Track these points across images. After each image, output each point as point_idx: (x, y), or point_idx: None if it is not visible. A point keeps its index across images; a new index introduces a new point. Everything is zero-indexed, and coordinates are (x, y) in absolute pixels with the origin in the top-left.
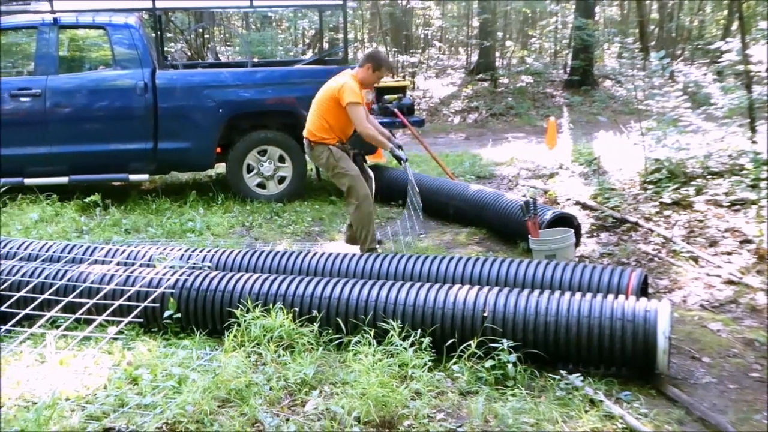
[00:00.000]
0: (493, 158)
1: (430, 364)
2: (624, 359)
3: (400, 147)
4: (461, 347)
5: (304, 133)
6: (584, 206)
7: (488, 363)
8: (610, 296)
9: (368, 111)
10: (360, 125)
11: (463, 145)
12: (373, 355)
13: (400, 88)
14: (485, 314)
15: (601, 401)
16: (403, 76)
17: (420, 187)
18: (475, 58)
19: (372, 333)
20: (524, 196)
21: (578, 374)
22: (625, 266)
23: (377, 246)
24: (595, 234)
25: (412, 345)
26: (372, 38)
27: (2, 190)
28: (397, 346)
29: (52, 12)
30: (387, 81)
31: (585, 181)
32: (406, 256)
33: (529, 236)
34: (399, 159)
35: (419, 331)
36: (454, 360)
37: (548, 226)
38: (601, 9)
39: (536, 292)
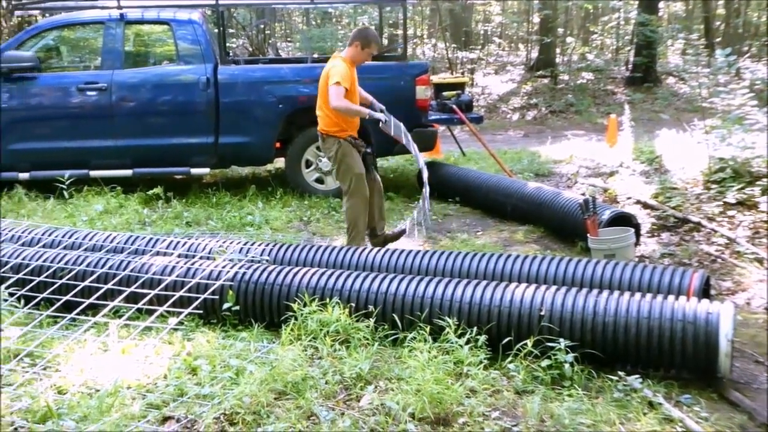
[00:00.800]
0: (552, 156)
1: (485, 362)
2: (684, 362)
3: (382, 110)
4: (517, 346)
5: (318, 127)
6: (645, 205)
7: (545, 362)
8: (671, 297)
9: (425, 108)
10: (332, 102)
11: (521, 143)
12: (429, 352)
13: (459, 85)
14: (542, 313)
15: (660, 404)
16: (462, 73)
17: (477, 185)
18: (535, 54)
19: (428, 329)
20: (583, 194)
21: (637, 376)
22: (686, 267)
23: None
24: (655, 234)
25: (467, 342)
26: (431, 34)
27: (69, 181)
28: (452, 343)
29: (119, 8)
30: (446, 77)
31: (646, 179)
32: (463, 253)
33: (588, 235)
34: (377, 121)
35: (475, 329)
36: (510, 358)
37: (608, 225)
38: (665, 5)
39: (594, 291)
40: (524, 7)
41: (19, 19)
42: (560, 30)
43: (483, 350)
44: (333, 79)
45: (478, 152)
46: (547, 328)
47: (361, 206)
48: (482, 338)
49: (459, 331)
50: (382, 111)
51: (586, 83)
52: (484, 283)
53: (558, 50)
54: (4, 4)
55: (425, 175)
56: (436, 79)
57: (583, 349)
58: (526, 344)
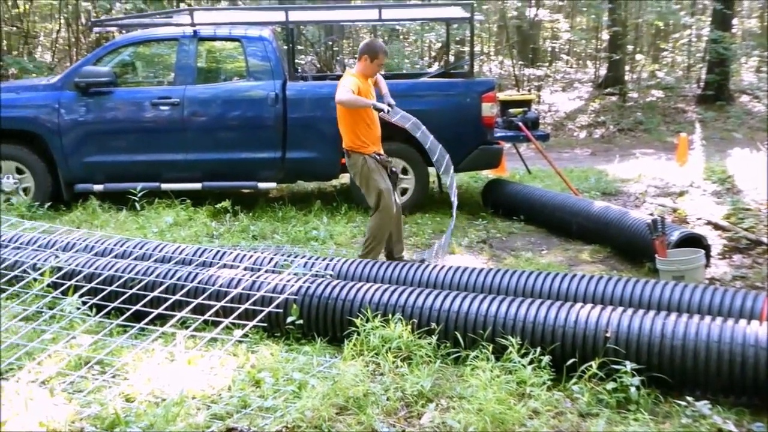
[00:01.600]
0: (620, 175)
1: (549, 383)
2: (756, 388)
3: (391, 105)
4: (582, 367)
5: (343, 144)
6: (716, 226)
7: (610, 385)
8: (743, 321)
9: (491, 125)
10: (336, 97)
11: (588, 161)
12: (491, 371)
13: (525, 102)
14: (608, 335)
15: (731, 431)
16: (529, 90)
17: (542, 203)
18: (603, 71)
19: (490, 348)
20: (651, 214)
21: (706, 401)
22: (759, 290)
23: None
24: (727, 256)
25: (531, 363)
26: (498, 51)
27: (140, 193)
28: (515, 362)
29: (193, 25)
30: (512, 94)
31: (717, 200)
32: (527, 271)
33: (656, 256)
34: (380, 110)
35: (539, 349)
36: (574, 380)
37: (677, 246)
38: (739, 21)
39: (662, 314)
40: (593, 23)
41: (97, 35)
42: (630, 47)
43: (546, 371)
44: (339, 86)
45: (544, 170)
46: (612, 350)
47: (387, 222)
48: (546, 359)
49: (522, 351)
50: (390, 106)
51: (656, 101)
52: (548, 302)
53: (627, 67)
54: (83, 20)
55: (454, 198)
56: (502, 96)
57: (650, 372)
58: (590, 366)
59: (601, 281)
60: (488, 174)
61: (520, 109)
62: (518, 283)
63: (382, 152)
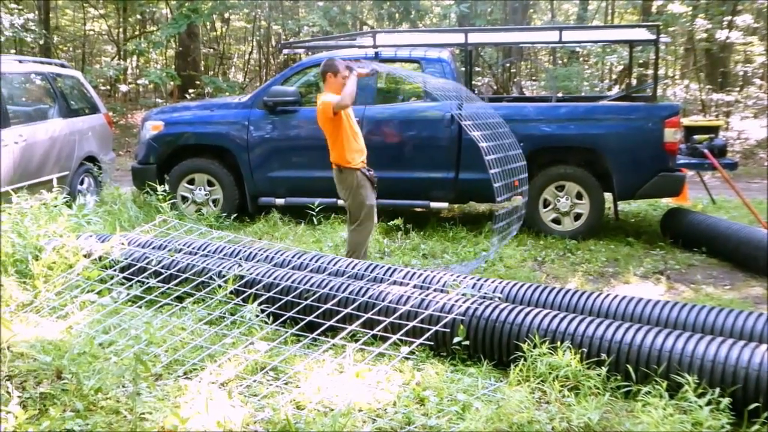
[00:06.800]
0: None
1: (728, 426)
2: None
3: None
4: (766, 414)
5: (332, 160)
6: None
7: None
8: None
9: (674, 151)
10: (342, 102)
11: None
12: (664, 409)
13: (712, 128)
14: None
15: None
16: (716, 116)
17: (727, 235)
18: None
19: (664, 385)
20: None
21: None
22: None
23: None
24: None
25: (708, 404)
26: (684, 75)
27: (318, 208)
28: (691, 402)
29: (375, 47)
30: (698, 120)
31: None
32: (707, 307)
33: None
34: (367, 74)
35: (717, 390)
36: (756, 427)
37: None
38: None
39: None
40: None
41: (286, 56)
42: None
43: (725, 414)
44: (327, 102)
45: (730, 200)
46: None
47: (366, 236)
48: (725, 401)
49: (699, 391)
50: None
51: None
52: (730, 341)
53: None
54: (273, 42)
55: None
56: (687, 121)
57: None
58: None
59: None
60: (669, 202)
61: (706, 136)
62: (697, 318)
63: (366, 164)
